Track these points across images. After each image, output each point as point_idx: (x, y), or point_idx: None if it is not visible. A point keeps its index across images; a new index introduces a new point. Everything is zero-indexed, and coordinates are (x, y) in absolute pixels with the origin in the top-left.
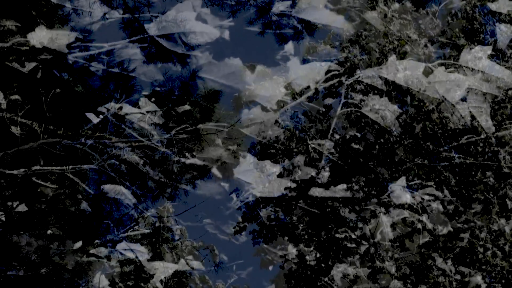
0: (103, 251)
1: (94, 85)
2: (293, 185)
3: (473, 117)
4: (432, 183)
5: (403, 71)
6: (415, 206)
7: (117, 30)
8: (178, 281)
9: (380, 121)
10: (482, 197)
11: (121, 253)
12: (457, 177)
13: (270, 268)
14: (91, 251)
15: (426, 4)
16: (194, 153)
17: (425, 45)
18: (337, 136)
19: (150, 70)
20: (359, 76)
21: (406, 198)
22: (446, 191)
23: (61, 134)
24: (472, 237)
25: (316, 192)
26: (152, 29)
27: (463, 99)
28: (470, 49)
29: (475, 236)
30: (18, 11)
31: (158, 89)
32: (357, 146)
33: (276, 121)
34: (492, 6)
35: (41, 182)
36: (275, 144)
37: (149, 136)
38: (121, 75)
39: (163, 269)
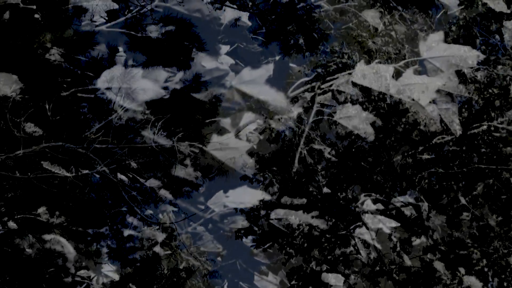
0: (87, 273)
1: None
2: (268, 198)
3: (441, 120)
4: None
5: (373, 75)
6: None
7: (119, 34)
8: (180, 284)
9: (353, 128)
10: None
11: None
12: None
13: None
14: (78, 273)
15: (427, 12)
16: (197, 155)
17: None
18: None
19: (152, 73)
20: (332, 84)
21: (377, 206)
22: (462, 199)
23: (64, 138)
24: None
25: (279, 213)
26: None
27: (433, 101)
28: (424, 37)
29: (480, 244)
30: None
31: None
32: (333, 158)
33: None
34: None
35: (44, 186)
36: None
37: (151, 141)
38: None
39: None
